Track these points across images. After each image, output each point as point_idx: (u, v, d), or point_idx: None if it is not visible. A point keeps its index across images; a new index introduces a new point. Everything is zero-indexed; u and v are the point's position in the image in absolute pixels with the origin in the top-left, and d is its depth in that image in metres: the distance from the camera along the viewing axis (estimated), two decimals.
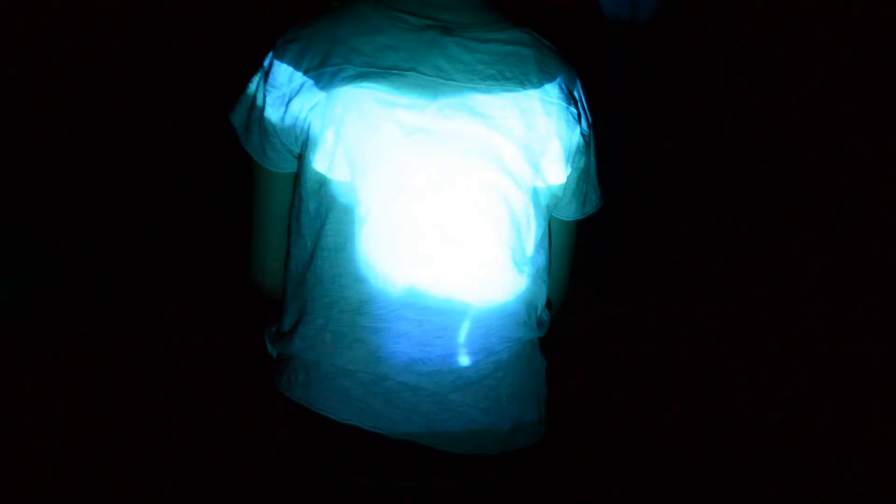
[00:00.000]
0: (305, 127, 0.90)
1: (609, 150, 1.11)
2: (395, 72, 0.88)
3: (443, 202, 0.90)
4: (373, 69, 0.88)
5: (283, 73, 0.91)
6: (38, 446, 1.33)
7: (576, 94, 0.99)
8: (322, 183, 0.91)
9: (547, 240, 1.03)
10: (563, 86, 0.96)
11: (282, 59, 0.91)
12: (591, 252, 1.47)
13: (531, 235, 0.97)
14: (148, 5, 1.56)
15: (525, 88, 0.92)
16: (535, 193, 0.96)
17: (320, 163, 0.90)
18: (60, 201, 1.59)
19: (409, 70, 0.88)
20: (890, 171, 1.42)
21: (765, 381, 1.55)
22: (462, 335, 0.94)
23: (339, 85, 0.87)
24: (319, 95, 0.88)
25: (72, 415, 1.39)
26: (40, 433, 1.35)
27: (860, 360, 1.46)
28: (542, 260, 1.00)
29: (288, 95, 0.90)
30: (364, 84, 0.87)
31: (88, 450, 1.35)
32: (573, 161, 0.99)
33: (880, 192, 1.40)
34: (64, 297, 1.56)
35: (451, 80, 0.89)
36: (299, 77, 0.89)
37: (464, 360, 0.94)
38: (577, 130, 0.98)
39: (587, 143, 1.01)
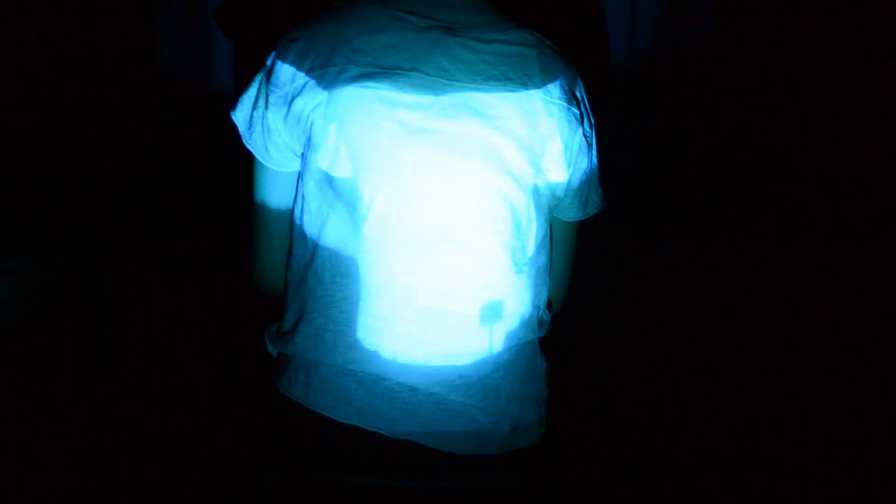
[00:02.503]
0: (308, 126, 0.90)
1: (611, 151, 1.10)
2: (398, 72, 0.88)
3: (444, 202, 0.91)
4: (376, 69, 0.88)
5: (286, 73, 0.91)
6: (38, 446, 1.33)
7: (578, 94, 0.99)
8: (324, 183, 0.91)
9: (548, 240, 1.03)
10: (566, 86, 0.96)
11: (284, 59, 0.91)
12: (591, 252, 1.47)
13: (532, 236, 0.97)
14: (148, 3, 1.56)
15: (527, 89, 0.92)
16: (536, 194, 0.96)
17: (322, 163, 0.90)
18: (60, 201, 1.59)
19: (411, 70, 0.88)
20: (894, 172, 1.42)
21: (767, 381, 1.55)
22: (462, 335, 0.94)
23: (341, 85, 0.87)
24: (322, 95, 0.88)
25: (71, 415, 1.39)
26: (40, 433, 1.35)
27: (864, 361, 1.46)
28: (542, 260, 1.00)
29: (290, 95, 0.90)
30: (367, 84, 0.87)
31: (88, 449, 1.34)
32: (575, 162, 0.99)
33: (886, 194, 1.40)
34: (64, 297, 1.56)
35: (454, 80, 0.89)
36: (302, 76, 0.89)
37: (464, 360, 0.94)
38: (580, 131, 0.98)
39: (589, 144, 1.01)
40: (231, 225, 1.65)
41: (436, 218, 0.91)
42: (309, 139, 0.91)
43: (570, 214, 1.06)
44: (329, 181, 0.90)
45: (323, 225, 0.92)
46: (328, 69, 0.88)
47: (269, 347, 1.05)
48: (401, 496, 0.97)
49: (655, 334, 1.67)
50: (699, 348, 1.63)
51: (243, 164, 1.02)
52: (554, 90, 0.94)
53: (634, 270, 1.73)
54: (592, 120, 1.02)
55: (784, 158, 1.55)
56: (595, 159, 1.04)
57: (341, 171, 0.90)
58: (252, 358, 1.37)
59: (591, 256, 1.24)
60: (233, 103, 0.98)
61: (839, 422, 1.45)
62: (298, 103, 0.90)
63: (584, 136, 0.99)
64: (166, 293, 1.62)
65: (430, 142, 0.89)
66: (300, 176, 0.95)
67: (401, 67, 0.88)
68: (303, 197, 0.94)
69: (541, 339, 1.07)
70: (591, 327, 1.64)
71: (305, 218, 0.94)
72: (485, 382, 0.96)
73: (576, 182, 1.01)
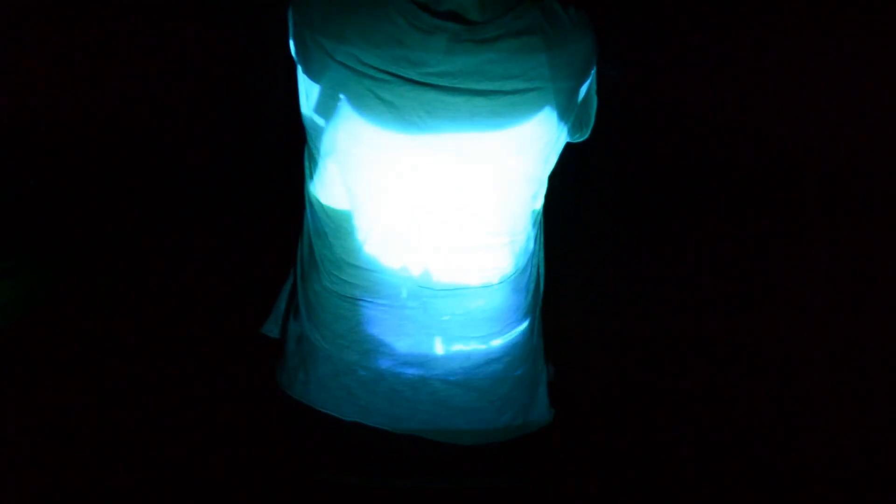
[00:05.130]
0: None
1: (612, 149, 1.10)
2: (403, 71, 0.86)
3: (447, 206, 0.91)
4: (380, 73, 0.86)
5: (300, 32, 0.89)
6: (39, 446, 1.33)
7: (586, 57, 0.94)
8: (328, 186, 0.92)
9: (541, 215, 1.03)
10: (574, 59, 0.91)
11: (299, 17, 0.90)
12: (591, 251, 1.47)
13: (532, 222, 0.97)
14: (150, 4, 1.56)
15: (533, 82, 0.89)
16: (540, 184, 0.96)
17: (318, 191, 0.91)
18: (60, 201, 1.59)
19: (415, 73, 0.86)
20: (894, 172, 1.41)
21: (768, 380, 1.55)
22: (464, 329, 0.94)
23: (346, 90, 0.86)
24: (328, 96, 0.87)
25: (72, 415, 1.39)
26: (40, 433, 1.35)
27: (864, 362, 1.46)
28: (535, 246, 1.02)
29: (308, 50, 0.89)
30: (372, 88, 0.86)
31: (88, 449, 1.34)
32: (575, 122, 0.98)
33: (886, 194, 1.39)
34: (64, 297, 1.55)
35: (459, 83, 0.88)
36: (314, 43, 0.88)
37: (467, 351, 0.94)
38: (583, 96, 0.96)
39: (591, 97, 0.99)
40: (232, 225, 1.65)
41: (439, 219, 0.91)
42: (309, 156, 0.92)
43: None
44: (329, 205, 0.91)
45: (324, 232, 0.93)
46: (335, 58, 0.86)
47: (274, 330, 1.06)
48: (402, 496, 0.97)
49: (656, 333, 1.67)
50: (700, 347, 1.63)
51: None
52: (561, 72, 0.90)
53: (635, 269, 1.73)
54: (596, 65, 0.98)
55: (789, 157, 1.55)
56: (594, 100, 1.01)
57: (340, 203, 0.90)
58: (253, 358, 1.37)
59: (592, 255, 1.24)
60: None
61: (841, 423, 1.45)
62: (312, 65, 0.88)
63: (584, 95, 0.97)
64: (166, 293, 1.62)
65: (434, 146, 0.88)
66: (306, 179, 0.96)
67: (405, 68, 0.86)
68: (310, 202, 0.95)
69: (541, 341, 1.08)
70: (592, 327, 1.64)
71: (309, 219, 0.95)
72: (487, 370, 0.96)
73: (575, 131, 1.00)
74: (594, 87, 1.00)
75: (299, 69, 0.90)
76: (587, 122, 1.02)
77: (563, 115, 0.92)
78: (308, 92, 0.89)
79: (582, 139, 1.03)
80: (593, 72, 0.97)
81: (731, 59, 1.60)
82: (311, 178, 0.94)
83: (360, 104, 0.86)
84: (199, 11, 1.58)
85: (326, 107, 0.87)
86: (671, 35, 1.66)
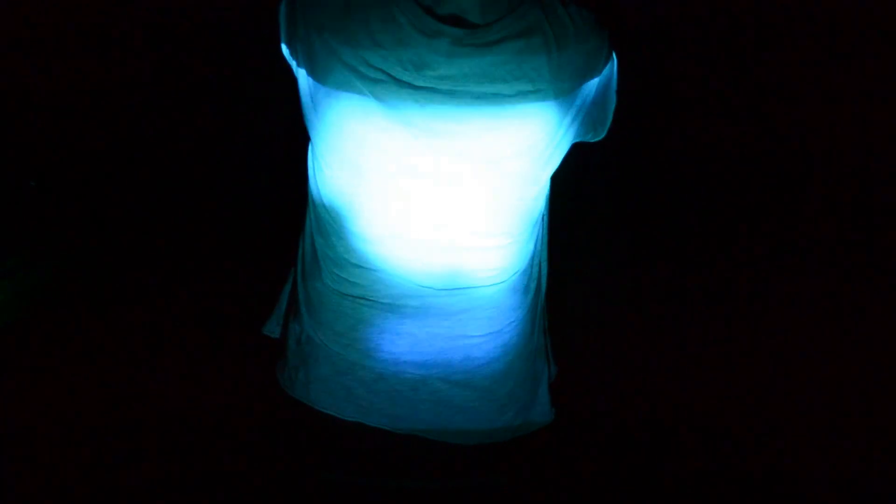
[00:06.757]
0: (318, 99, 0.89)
1: (611, 149, 1.09)
2: (406, 73, 0.86)
3: (447, 203, 0.90)
4: (383, 76, 0.86)
5: (301, 29, 0.88)
6: (39, 446, 1.33)
7: (593, 57, 0.92)
8: (331, 186, 0.92)
9: (546, 207, 1.02)
10: (577, 60, 0.90)
11: (294, 14, 0.89)
12: (591, 252, 1.47)
13: (533, 219, 0.97)
14: (150, 5, 1.56)
15: (535, 83, 0.89)
16: (540, 185, 0.96)
17: (321, 188, 0.92)
18: (60, 201, 1.59)
19: (418, 76, 0.86)
20: (892, 174, 1.42)
21: (766, 380, 1.56)
22: (465, 328, 0.94)
23: (347, 91, 0.86)
24: (329, 99, 0.87)
25: (72, 415, 1.39)
26: (40, 433, 1.35)
27: (861, 361, 1.46)
28: (539, 246, 1.02)
29: (307, 48, 0.88)
30: (373, 89, 0.86)
31: (89, 449, 1.34)
32: (585, 122, 0.97)
33: (884, 194, 1.40)
34: (64, 297, 1.55)
35: (461, 85, 0.87)
36: (316, 39, 0.87)
37: (468, 351, 0.95)
38: (591, 97, 0.95)
39: (605, 96, 0.97)
40: (231, 226, 1.65)
41: (440, 219, 0.91)
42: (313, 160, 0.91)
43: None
44: (331, 204, 0.91)
45: (326, 231, 0.93)
46: (343, 57, 0.85)
47: (275, 330, 1.06)
48: (402, 496, 0.97)
49: (657, 333, 1.67)
50: (701, 347, 1.63)
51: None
52: (562, 73, 0.89)
53: (636, 270, 1.73)
54: (615, 64, 0.97)
55: (786, 158, 1.55)
56: (612, 101, 0.99)
57: (342, 202, 0.90)
58: (254, 359, 1.37)
59: (595, 256, 1.24)
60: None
61: (839, 422, 1.45)
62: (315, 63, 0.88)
63: (600, 95, 0.96)
64: (166, 293, 1.62)
65: (435, 148, 0.88)
66: (310, 178, 0.96)
67: (409, 64, 0.86)
68: (312, 203, 0.95)
69: (542, 340, 1.08)
70: (593, 327, 1.64)
71: (312, 217, 0.95)
72: (490, 369, 0.96)
73: (585, 131, 0.98)
74: (614, 86, 0.99)
75: (302, 70, 0.90)
76: (603, 122, 1.00)
77: (566, 116, 0.92)
78: (313, 92, 0.89)
79: (597, 139, 1.02)
80: (609, 71, 0.96)
81: (732, 59, 1.61)
82: (314, 177, 0.94)
83: (362, 106, 0.86)
84: (199, 11, 1.58)
85: (329, 107, 0.87)
86: (672, 35, 1.67)
